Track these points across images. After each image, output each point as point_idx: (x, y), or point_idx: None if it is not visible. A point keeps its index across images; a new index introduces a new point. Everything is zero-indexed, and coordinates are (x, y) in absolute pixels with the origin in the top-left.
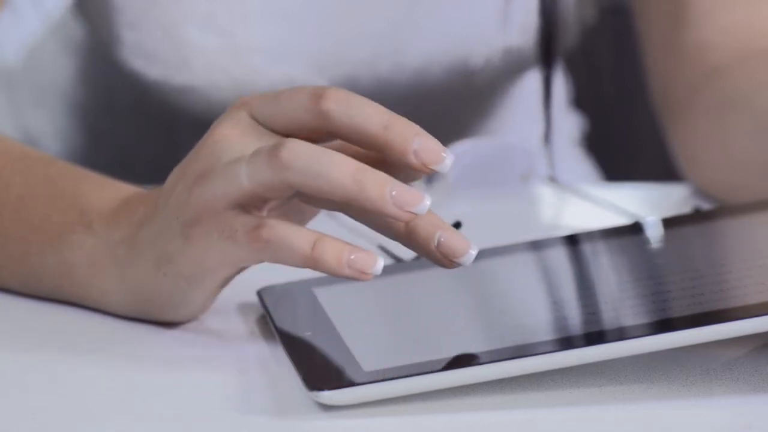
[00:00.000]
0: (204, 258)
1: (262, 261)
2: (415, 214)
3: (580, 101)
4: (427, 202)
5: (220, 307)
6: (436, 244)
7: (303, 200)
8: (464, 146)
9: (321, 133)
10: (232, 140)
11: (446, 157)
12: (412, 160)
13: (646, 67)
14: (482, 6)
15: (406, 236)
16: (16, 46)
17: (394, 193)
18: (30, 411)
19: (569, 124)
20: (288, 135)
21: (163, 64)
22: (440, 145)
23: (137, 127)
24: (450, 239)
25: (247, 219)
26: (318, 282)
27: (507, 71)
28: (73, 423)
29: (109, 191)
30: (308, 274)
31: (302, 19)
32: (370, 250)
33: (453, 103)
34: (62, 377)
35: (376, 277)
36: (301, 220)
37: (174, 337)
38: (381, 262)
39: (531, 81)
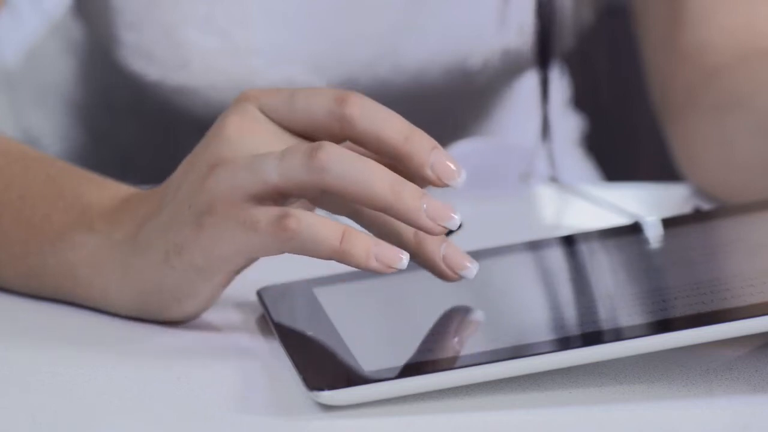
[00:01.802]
0: (217, 247)
1: (283, 252)
2: (447, 228)
3: (580, 101)
4: (458, 217)
5: (220, 306)
6: (442, 255)
7: (311, 200)
8: (463, 146)
9: (337, 137)
10: (247, 132)
11: (461, 174)
12: (428, 173)
13: (646, 68)
14: (480, 7)
15: (415, 247)
16: (16, 46)
17: (426, 206)
18: (30, 411)
19: (569, 124)
20: (301, 135)
21: (162, 65)
22: (456, 162)
23: (137, 127)
24: (452, 253)
25: (271, 209)
26: (318, 282)
27: (505, 72)
28: (73, 423)
29: (109, 191)
30: (307, 273)
31: (301, 20)
32: (395, 247)
33: (452, 104)
34: (62, 377)
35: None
36: None
37: (174, 337)
38: (406, 258)
39: (529, 82)
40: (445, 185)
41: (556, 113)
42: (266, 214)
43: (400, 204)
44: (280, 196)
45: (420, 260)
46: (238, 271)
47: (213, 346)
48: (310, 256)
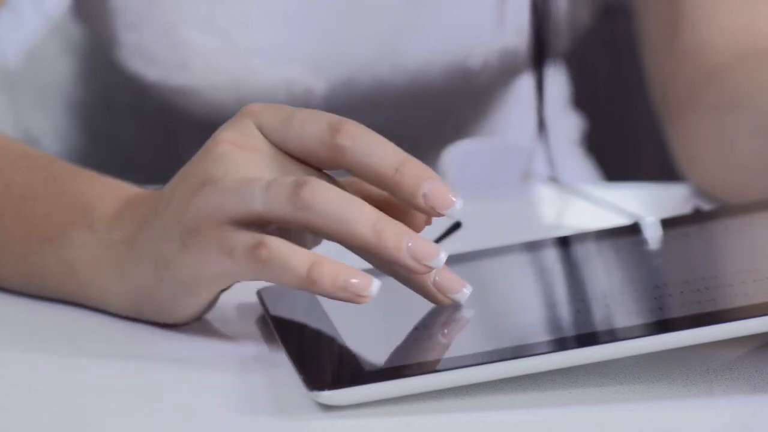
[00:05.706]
0: (200, 268)
1: (258, 279)
2: (431, 268)
3: (580, 101)
4: (443, 255)
5: (220, 307)
6: (433, 280)
7: (313, 233)
8: (463, 146)
9: (328, 164)
10: (240, 153)
11: (456, 203)
12: (420, 202)
13: (646, 68)
14: (479, 7)
15: (405, 277)
16: (16, 46)
17: (410, 244)
18: (30, 411)
19: (569, 124)
20: (297, 158)
21: (162, 65)
22: (451, 189)
23: (137, 127)
24: (444, 278)
25: (247, 237)
26: None
27: (504, 72)
28: (73, 423)
29: (111, 190)
30: None
31: (301, 20)
32: (366, 273)
33: (451, 104)
34: (62, 377)
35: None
36: (302, 244)
37: (174, 337)
38: (377, 285)
39: (528, 82)
40: (440, 215)
41: (556, 113)
42: (242, 240)
43: (382, 243)
44: (265, 223)
45: (410, 285)
46: (224, 289)
47: (213, 346)
48: (280, 283)
